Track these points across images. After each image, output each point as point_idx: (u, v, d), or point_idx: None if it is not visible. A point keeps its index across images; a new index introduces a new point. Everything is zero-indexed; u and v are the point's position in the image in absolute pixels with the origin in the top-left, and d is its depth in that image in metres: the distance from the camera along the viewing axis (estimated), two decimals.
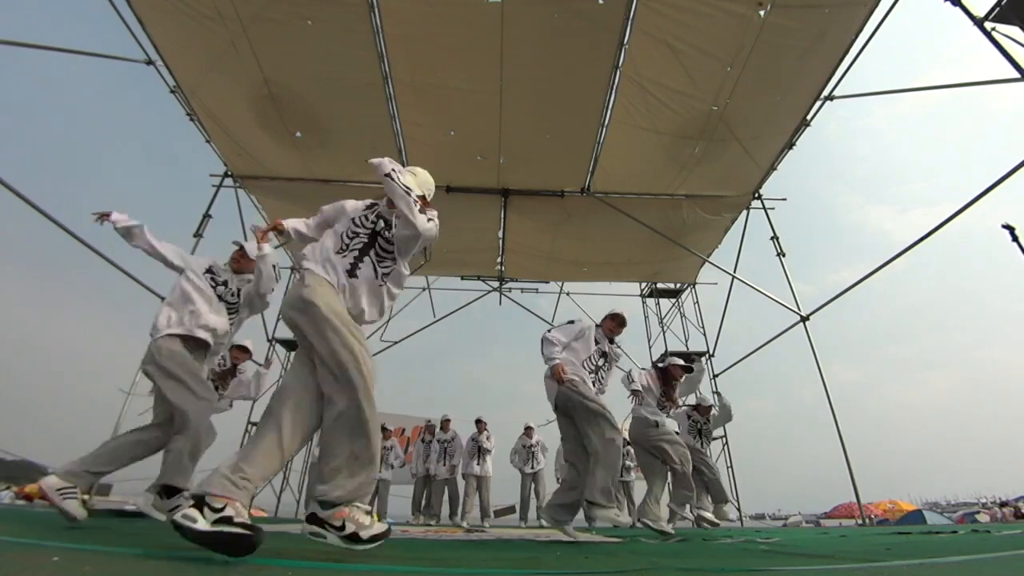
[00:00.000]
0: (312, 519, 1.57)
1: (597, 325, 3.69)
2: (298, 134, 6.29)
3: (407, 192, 1.84)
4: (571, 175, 6.93)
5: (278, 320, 9.31)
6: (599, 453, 3.04)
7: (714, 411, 5.25)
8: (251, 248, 2.88)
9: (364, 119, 6.05)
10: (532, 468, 7.39)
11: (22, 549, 1.65)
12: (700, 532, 4.40)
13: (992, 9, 3.87)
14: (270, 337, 8.98)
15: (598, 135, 6.21)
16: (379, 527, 1.57)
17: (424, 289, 10.38)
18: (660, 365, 4.50)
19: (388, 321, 10.62)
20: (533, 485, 7.36)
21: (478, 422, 7.32)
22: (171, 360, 2.59)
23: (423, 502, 7.22)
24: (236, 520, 1.31)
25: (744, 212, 7.56)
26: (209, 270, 3.04)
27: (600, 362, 3.49)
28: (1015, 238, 4.37)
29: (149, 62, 5.61)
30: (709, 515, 4.47)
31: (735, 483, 8.28)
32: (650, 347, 10.56)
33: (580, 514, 3.26)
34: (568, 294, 10.60)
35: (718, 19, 4.80)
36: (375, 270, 1.86)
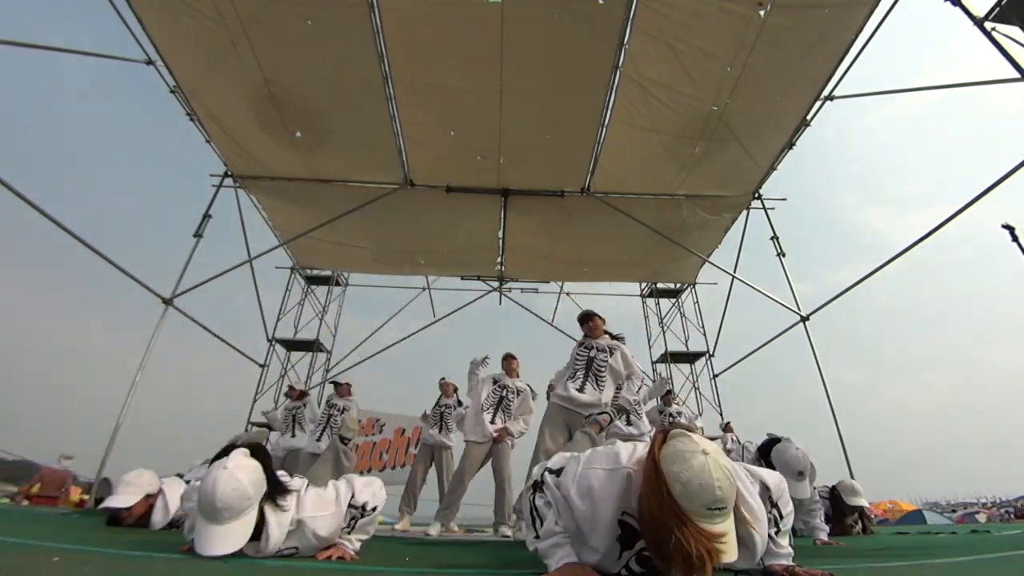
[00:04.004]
0: None
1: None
2: (298, 134, 6.29)
3: None
4: (571, 175, 6.93)
5: (278, 321, 9.33)
6: None
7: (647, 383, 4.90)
8: None
9: (364, 119, 6.04)
10: None
11: (22, 549, 1.65)
12: None
13: (992, 9, 3.87)
14: (270, 337, 8.99)
15: (598, 135, 6.20)
16: None
17: (424, 289, 10.38)
18: None
19: (388, 321, 10.64)
20: None
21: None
22: None
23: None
24: None
25: (744, 212, 7.56)
26: None
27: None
28: (1015, 238, 4.37)
29: (149, 62, 5.60)
30: None
31: None
32: (650, 347, 10.56)
33: None
34: (568, 294, 10.60)
35: (718, 19, 4.80)
36: None
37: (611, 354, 3.64)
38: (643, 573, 1.27)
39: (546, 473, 1.43)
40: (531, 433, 3.92)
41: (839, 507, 3.85)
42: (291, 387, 5.82)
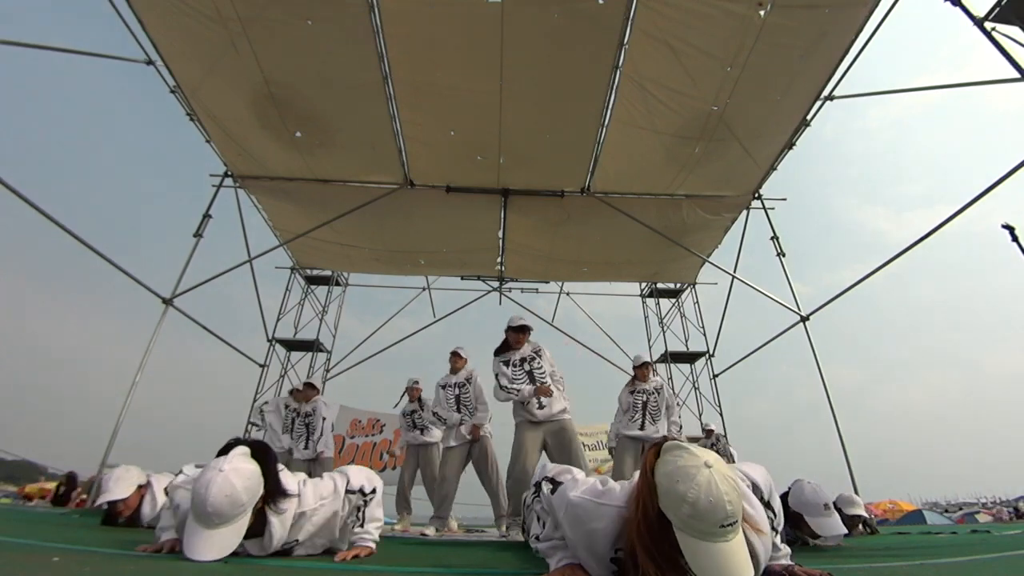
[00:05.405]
0: None
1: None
2: (298, 134, 6.28)
3: None
4: (571, 175, 6.92)
5: (278, 321, 9.33)
6: None
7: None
8: None
9: (364, 119, 6.04)
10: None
11: (22, 549, 1.65)
12: None
13: (992, 9, 3.87)
14: (270, 337, 8.99)
15: (598, 135, 6.19)
16: None
17: (424, 289, 10.38)
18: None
19: (388, 321, 10.65)
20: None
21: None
22: None
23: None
24: None
25: (744, 212, 7.55)
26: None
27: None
28: (1015, 238, 4.37)
29: (149, 62, 5.60)
30: None
31: None
32: (650, 347, 10.55)
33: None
34: (568, 294, 10.60)
35: (718, 19, 4.79)
36: None
37: (542, 356, 3.81)
38: None
39: (543, 482, 1.44)
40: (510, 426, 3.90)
41: (843, 520, 3.83)
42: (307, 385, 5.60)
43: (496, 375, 3.78)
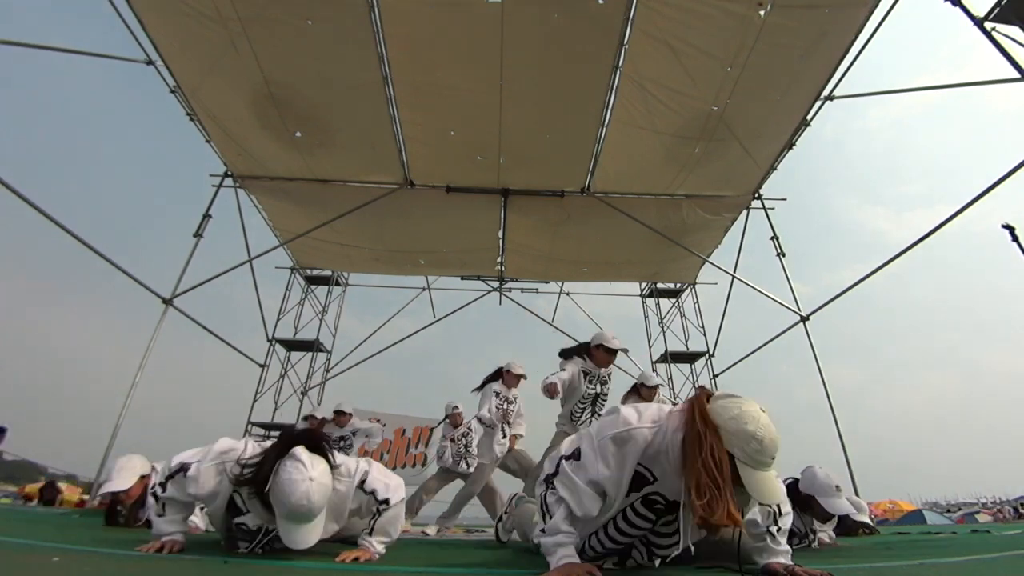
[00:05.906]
0: None
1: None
2: (298, 134, 6.28)
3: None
4: (571, 175, 6.92)
5: (278, 321, 9.33)
6: None
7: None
8: None
9: (364, 119, 6.04)
10: None
11: (22, 549, 1.65)
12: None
13: (992, 9, 3.87)
14: (270, 337, 8.99)
15: (598, 135, 6.19)
16: None
17: (424, 289, 10.38)
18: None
19: (388, 321, 10.65)
20: None
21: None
22: None
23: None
24: None
25: (744, 212, 7.55)
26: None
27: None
28: (1015, 238, 4.37)
29: (149, 62, 5.60)
30: None
31: None
32: (650, 347, 10.55)
33: None
34: (568, 294, 10.60)
35: (718, 19, 4.79)
36: None
37: (611, 380, 3.81)
38: (646, 516, 1.38)
39: (562, 461, 1.44)
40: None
41: (845, 524, 3.81)
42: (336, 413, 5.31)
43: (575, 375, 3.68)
